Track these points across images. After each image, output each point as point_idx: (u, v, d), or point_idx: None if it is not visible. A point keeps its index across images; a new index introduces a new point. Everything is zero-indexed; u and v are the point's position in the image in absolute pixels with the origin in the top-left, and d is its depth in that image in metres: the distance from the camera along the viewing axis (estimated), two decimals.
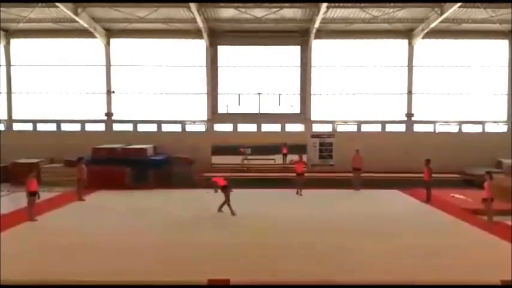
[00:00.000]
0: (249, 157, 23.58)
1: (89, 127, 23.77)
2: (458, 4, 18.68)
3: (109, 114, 23.70)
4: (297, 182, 17.62)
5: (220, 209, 13.60)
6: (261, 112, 23.60)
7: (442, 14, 19.77)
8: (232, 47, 23.72)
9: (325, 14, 20.19)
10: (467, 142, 22.36)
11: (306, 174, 18.54)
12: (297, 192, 17.37)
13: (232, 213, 13.29)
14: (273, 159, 24.97)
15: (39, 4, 19.26)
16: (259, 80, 23.57)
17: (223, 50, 23.78)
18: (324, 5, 18.93)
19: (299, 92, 23.82)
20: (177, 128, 23.80)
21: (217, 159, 23.63)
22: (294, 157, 21.96)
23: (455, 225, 12.58)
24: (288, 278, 7.89)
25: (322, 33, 22.42)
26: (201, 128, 24.01)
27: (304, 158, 22.87)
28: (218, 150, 23.45)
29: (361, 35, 23.00)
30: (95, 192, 17.94)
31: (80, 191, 16.32)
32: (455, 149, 21.90)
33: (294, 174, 17.96)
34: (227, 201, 13.36)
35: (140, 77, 23.71)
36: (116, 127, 23.76)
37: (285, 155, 23.23)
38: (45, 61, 23.59)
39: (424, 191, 16.15)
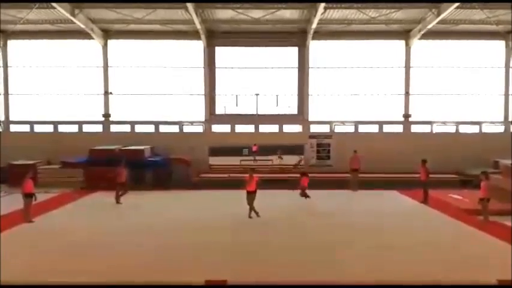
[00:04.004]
0: (246, 158, 23.65)
1: (87, 128, 23.72)
2: (455, 5, 18.73)
3: (106, 115, 23.66)
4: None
5: (251, 214, 13.29)
6: (258, 113, 23.61)
7: (439, 15, 19.83)
8: (230, 48, 23.73)
9: (322, 15, 20.22)
10: (464, 142, 22.41)
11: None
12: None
13: (254, 216, 13.23)
14: (270, 159, 25.06)
15: (36, 5, 19.22)
16: (257, 81, 23.57)
17: (220, 51, 23.77)
18: (322, 6, 18.96)
19: (297, 93, 23.84)
20: (175, 129, 23.79)
21: (215, 160, 23.67)
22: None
23: (452, 225, 12.62)
24: (285, 278, 7.89)
25: (319, 34, 22.46)
26: (199, 129, 24.00)
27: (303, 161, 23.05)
28: (216, 151, 23.48)
29: (359, 36, 23.05)
30: (93, 193, 17.93)
31: (118, 194, 15.86)
32: (452, 150, 21.95)
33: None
34: (250, 203, 13.20)
35: (138, 78, 23.69)
36: (114, 128, 23.72)
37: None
38: (42, 62, 23.55)
39: (421, 192, 16.17)
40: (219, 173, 22.24)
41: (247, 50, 23.68)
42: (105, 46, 23.41)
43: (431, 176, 16.33)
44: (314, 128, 23.86)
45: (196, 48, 23.45)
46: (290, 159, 24.24)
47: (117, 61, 23.63)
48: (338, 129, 23.74)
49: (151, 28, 22.46)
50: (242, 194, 13.49)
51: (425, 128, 23.70)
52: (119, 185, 15.92)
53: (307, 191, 16.09)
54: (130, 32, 22.90)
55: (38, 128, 23.70)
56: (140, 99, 23.73)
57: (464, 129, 23.64)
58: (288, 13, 21.15)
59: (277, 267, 8.61)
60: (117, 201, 15.82)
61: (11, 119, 23.87)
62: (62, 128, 23.67)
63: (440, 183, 18.57)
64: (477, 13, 20.20)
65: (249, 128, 23.70)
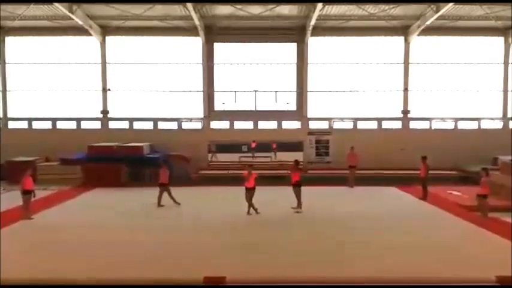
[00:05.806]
0: (246, 155, 23.58)
1: (85, 125, 23.67)
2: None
3: (105, 112, 23.61)
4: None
5: (250, 211, 13.23)
6: (257, 109, 23.57)
7: (438, 11, 19.80)
8: (229, 44, 23.66)
9: (321, 11, 20.17)
10: (463, 139, 22.42)
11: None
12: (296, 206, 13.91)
13: (253, 212, 13.18)
14: (269, 156, 24.98)
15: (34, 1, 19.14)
16: (255, 77, 23.53)
17: (219, 47, 23.71)
18: (320, 2, 18.91)
19: (295, 89, 23.81)
20: (174, 125, 23.75)
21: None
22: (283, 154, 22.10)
23: (451, 222, 12.62)
24: (285, 277, 7.87)
25: (318, 31, 22.39)
26: (198, 125, 23.97)
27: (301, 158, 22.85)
28: (215, 148, 23.44)
29: (358, 32, 23.00)
30: (92, 190, 17.91)
31: (171, 196, 14.92)
32: (451, 146, 21.97)
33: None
34: (249, 200, 13.15)
35: (136, 74, 23.62)
36: (112, 125, 23.66)
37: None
38: (40, 59, 23.45)
39: (420, 188, 16.18)
40: (218, 170, 22.25)
41: (245, 46, 23.61)
42: (103, 42, 23.32)
43: (430, 172, 16.30)
44: (313, 125, 23.85)
45: (194, 44, 23.39)
46: (289, 156, 24.12)
47: (115, 57, 23.56)
48: (337, 125, 23.73)
49: (150, 24, 22.38)
50: (241, 190, 13.47)
51: (424, 125, 23.71)
52: (161, 186, 14.93)
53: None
54: (128, 29, 22.78)
55: (36, 125, 23.66)
56: (139, 95, 23.68)
57: (463, 125, 23.65)
58: (287, 9, 21.09)
59: (275, 265, 8.60)
60: (159, 203, 14.83)
61: (9, 115, 23.81)
62: (60, 125, 23.63)
63: (439, 180, 18.57)
64: (476, 9, 20.18)
65: (248, 125, 23.68)
